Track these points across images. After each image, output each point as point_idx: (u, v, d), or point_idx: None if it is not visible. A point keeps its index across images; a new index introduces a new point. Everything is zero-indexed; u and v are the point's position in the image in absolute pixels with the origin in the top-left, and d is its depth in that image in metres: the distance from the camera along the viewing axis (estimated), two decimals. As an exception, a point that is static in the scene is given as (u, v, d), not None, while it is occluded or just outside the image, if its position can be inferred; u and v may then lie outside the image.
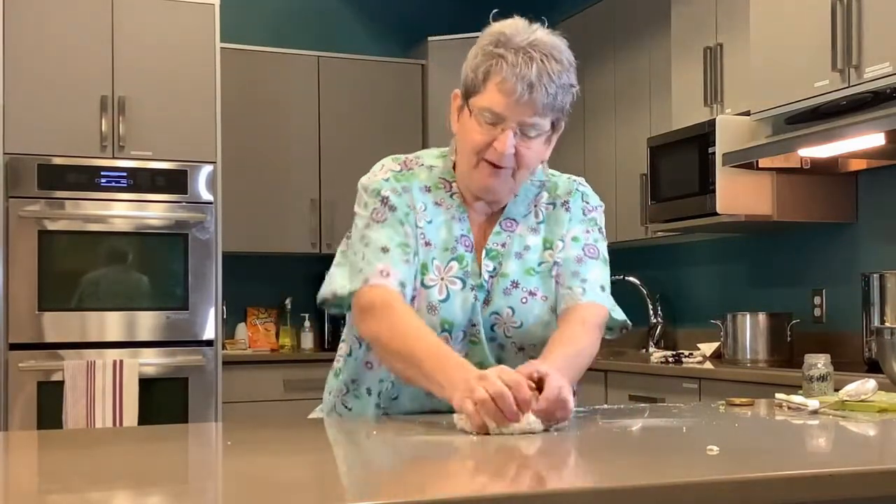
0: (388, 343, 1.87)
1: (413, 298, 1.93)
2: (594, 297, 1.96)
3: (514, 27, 1.90)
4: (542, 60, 1.86)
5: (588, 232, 2.04)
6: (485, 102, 1.88)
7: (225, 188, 5.03)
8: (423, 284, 1.92)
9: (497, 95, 1.87)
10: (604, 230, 2.08)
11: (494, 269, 1.97)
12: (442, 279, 1.94)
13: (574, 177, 2.11)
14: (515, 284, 1.96)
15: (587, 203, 2.07)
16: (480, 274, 1.96)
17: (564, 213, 2.04)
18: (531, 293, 1.96)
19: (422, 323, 1.88)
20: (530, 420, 1.67)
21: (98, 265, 4.77)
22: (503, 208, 2.02)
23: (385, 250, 1.92)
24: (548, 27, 1.94)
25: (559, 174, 2.10)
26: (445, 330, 1.92)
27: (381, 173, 2.01)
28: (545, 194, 2.05)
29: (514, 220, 2.02)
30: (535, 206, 2.04)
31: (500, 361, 1.93)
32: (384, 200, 1.96)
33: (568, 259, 1.99)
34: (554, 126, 1.93)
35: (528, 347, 1.95)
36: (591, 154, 5.19)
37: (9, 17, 4.63)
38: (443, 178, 2.02)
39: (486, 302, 1.95)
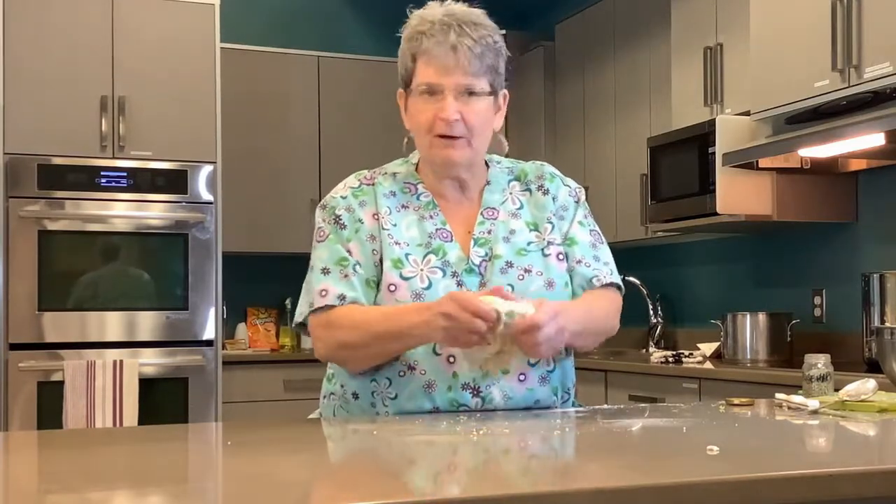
0: (351, 341, 1.95)
1: (376, 296, 1.99)
2: (617, 279, 2.10)
3: (429, 10, 2.01)
4: (459, 26, 1.96)
5: (586, 217, 2.14)
6: (419, 79, 1.98)
7: (225, 188, 5.03)
8: (401, 277, 1.97)
9: (427, 69, 1.97)
10: (591, 212, 2.19)
11: (486, 253, 2.03)
12: (422, 270, 1.99)
13: (537, 161, 2.19)
14: (510, 264, 2.02)
15: (569, 187, 2.15)
16: (469, 259, 2.01)
17: (543, 196, 2.11)
18: (526, 270, 2.02)
19: (369, 307, 1.97)
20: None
21: (98, 265, 4.77)
22: (480, 197, 2.09)
23: (325, 271, 2.00)
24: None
25: (522, 161, 2.18)
26: None
27: (340, 190, 2.09)
28: (516, 183, 2.13)
29: (493, 208, 2.08)
30: (510, 193, 2.11)
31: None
32: (336, 219, 2.04)
33: (584, 243, 2.09)
34: (494, 88, 2.01)
35: None
36: (591, 154, 5.19)
37: (9, 17, 4.63)
38: (408, 183, 2.09)
39: (482, 284, 2.00)
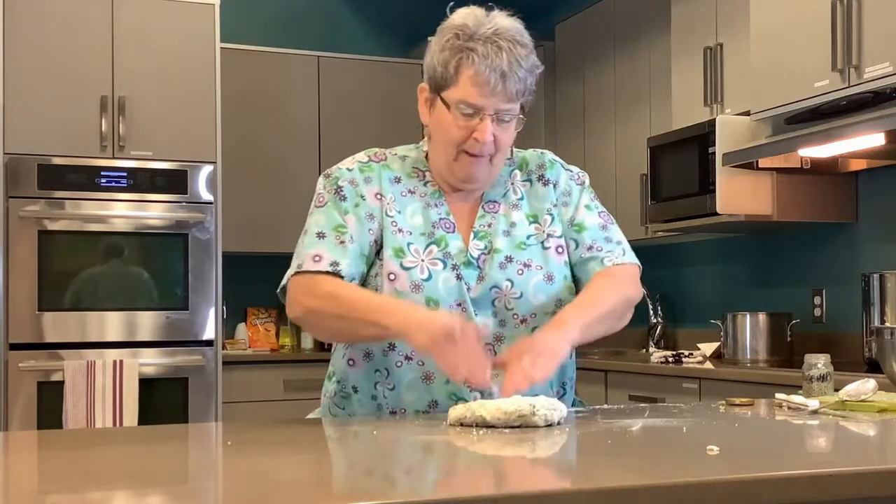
0: (323, 308, 1.93)
1: (373, 283, 1.98)
2: (632, 258, 2.10)
3: (475, 18, 1.96)
4: (509, 48, 1.93)
5: (593, 199, 2.14)
6: (459, 95, 1.95)
7: (225, 188, 5.03)
8: (402, 267, 1.97)
9: (471, 88, 1.93)
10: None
11: (486, 247, 2.02)
12: (422, 261, 1.98)
13: (538, 149, 2.18)
14: (509, 259, 2.02)
15: (571, 171, 2.15)
16: (468, 252, 2.00)
17: (543, 186, 2.10)
18: (526, 265, 2.02)
19: (353, 285, 1.95)
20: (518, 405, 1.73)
21: (98, 265, 4.77)
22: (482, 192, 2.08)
23: (320, 235, 1.99)
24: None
25: (523, 150, 2.17)
26: (431, 309, 1.95)
27: (347, 163, 2.09)
28: (517, 172, 2.12)
29: (494, 201, 2.08)
30: (512, 184, 2.10)
31: (498, 338, 2.00)
32: (337, 190, 2.03)
33: (593, 226, 2.09)
34: (524, 107, 2.00)
35: (530, 318, 2.00)
36: (591, 154, 5.19)
37: (9, 17, 4.63)
38: (416, 168, 2.08)
39: (481, 278, 1.99)
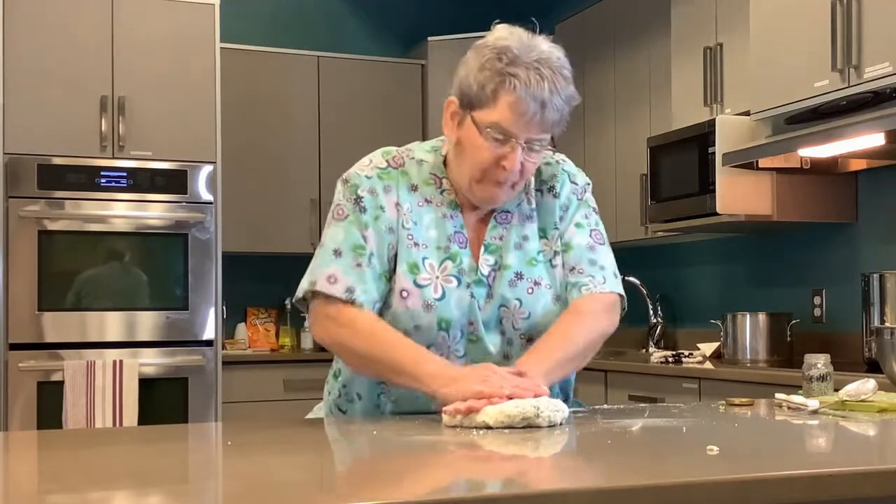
0: (353, 344, 1.90)
1: (385, 298, 1.94)
2: (613, 286, 2.01)
3: (519, 41, 1.89)
4: (551, 77, 1.86)
5: (587, 217, 2.06)
6: (494, 118, 1.88)
7: (225, 188, 5.03)
8: (415, 284, 1.92)
9: (508, 113, 1.87)
10: (597, 209, 2.10)
11: (496, 262, 1.97)
12: (437, 278, 1.93)
13: (555, 154, 2.10)
14: (520, 276, 1.97)
15: (576, 184, 2.08)
16: (478, 269, 1.96)
17: (552, 199, 2.04)
18: (536, 283, 1.97)
19: (387, 325, 1.91)
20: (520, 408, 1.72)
21: (98, 265, 4.77)
22: None
23: (337, 253, 1.93)
24: (542, 32, 1.95)
25: None
26: (442, 329, 1.93)
27: (366, 168, 2.00)
28: (532, 180, 2.04)
29: (508, 211, 2.02)
30: (526, 194, 2.04)
31: (506, 356, 1.96)
32: (357, 200, 1.96)
33: (580, 246, 2.01)
34: (553, 136, 1.94)
35: (537, 338, 1.96)
36: (591, 154, 5.19)
37: (9, 17, 4.63)
38: (433, 174, 2.01)
39: (490, 296, 1.95)
